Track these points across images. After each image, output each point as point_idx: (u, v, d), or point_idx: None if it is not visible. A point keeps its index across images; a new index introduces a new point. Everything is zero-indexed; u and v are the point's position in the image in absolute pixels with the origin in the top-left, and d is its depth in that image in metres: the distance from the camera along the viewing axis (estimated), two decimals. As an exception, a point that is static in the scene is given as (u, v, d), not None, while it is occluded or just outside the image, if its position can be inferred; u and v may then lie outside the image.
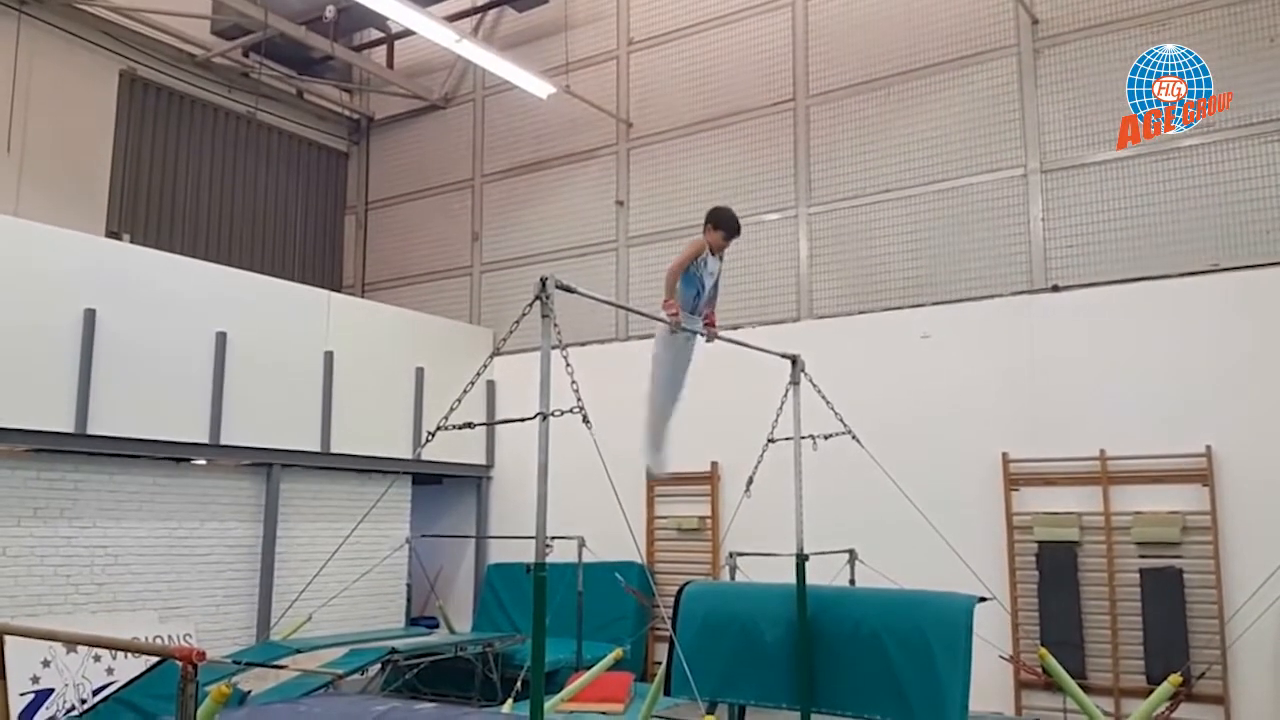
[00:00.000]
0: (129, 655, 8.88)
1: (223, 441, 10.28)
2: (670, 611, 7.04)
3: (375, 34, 15.46)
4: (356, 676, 9.56)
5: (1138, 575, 9.30)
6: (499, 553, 13.02)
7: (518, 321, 4.96)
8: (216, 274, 10.99)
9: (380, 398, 12.11)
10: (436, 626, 12.45)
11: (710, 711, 6.41)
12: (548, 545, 4.61)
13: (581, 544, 10.69)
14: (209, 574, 10.38)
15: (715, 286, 6.34)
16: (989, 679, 8.52)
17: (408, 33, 13.89)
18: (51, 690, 8.80)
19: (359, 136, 16.17)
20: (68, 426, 9.12)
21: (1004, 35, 10.79)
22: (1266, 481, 8.84)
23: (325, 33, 13.47)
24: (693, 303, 6.22)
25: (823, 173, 11.72)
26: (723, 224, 6.26)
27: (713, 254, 6.24)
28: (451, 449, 12.06)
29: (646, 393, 6.44)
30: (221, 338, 10.41)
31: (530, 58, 13.22)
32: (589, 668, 8.79)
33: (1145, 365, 9.46)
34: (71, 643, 8.43)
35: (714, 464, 11.69)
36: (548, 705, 6.29)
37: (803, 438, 6.78)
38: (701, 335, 6.26)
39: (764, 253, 11.94)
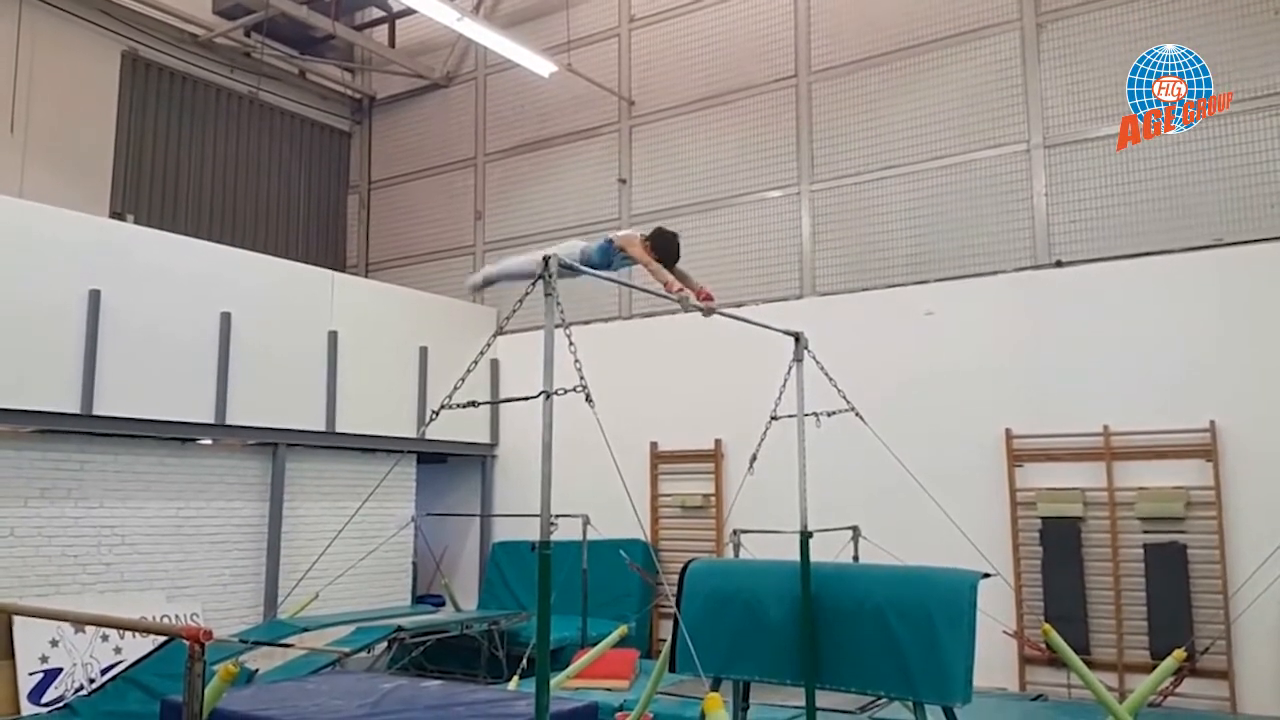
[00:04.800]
0: (137, 635, 8.93)
1: (228, 421, 10.31)
2: (674, 589, 7.06)
3: (377, 13, 15.43)
4: (363, 654, 9.63)
5: (1141, 551, 9.32)
6: (504, 530, 13.06)
7: (521, 300, 4.96)
8: (220, 254, 11.00)
9: (384, 377, 12.12)
10: (442, 604, 12.51)
11: (715, 688, 6.43)
12: (552, 523, 4.62)
13: (586, 522, 10.70)
14: (215, 553, 10.43)
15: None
16: (993, 655, 8.56)
17: (409, 11, 13.84)
18: (60, 670, 8.86)
19: (361, 116, 16.14)
20: (73, 407, 9.15)
21: (1006, 9, 10.74)
22: (1270, 456, 8.85)
23: (327, 12, 13.46)
24: (591, 260, 6.01)
25: (825, 149, 11.69)
26: (660, 249, 6.01)
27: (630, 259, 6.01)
28: (456, 428, 12.13)
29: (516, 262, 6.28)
30: (226, 318, 10.42)
31: (532, 36, 13.18)
32: (594, 645, 8.83)
33: (1149, 340, 9.46)
34: (79, 622, 8.50)
35: (718, 441, 11.70)
36: (553, 682, 6.33)
37: (806, 415, 6.77)
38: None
39: (766, 230, 11.94)
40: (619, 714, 7.59)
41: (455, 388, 5.00)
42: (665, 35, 13.11)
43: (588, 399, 4.71)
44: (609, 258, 6.04)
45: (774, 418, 6.87)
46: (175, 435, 10.08)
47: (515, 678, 8.47)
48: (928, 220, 10.93)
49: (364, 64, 15.91)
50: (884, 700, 7.13)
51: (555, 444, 4.63)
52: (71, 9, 12.51)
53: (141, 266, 9.88)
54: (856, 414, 7.06)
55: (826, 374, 6.86)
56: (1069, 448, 9.75)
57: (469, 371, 5.13)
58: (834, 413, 7.03)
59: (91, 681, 8.89)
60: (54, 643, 8.86)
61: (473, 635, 10.61)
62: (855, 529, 9.12)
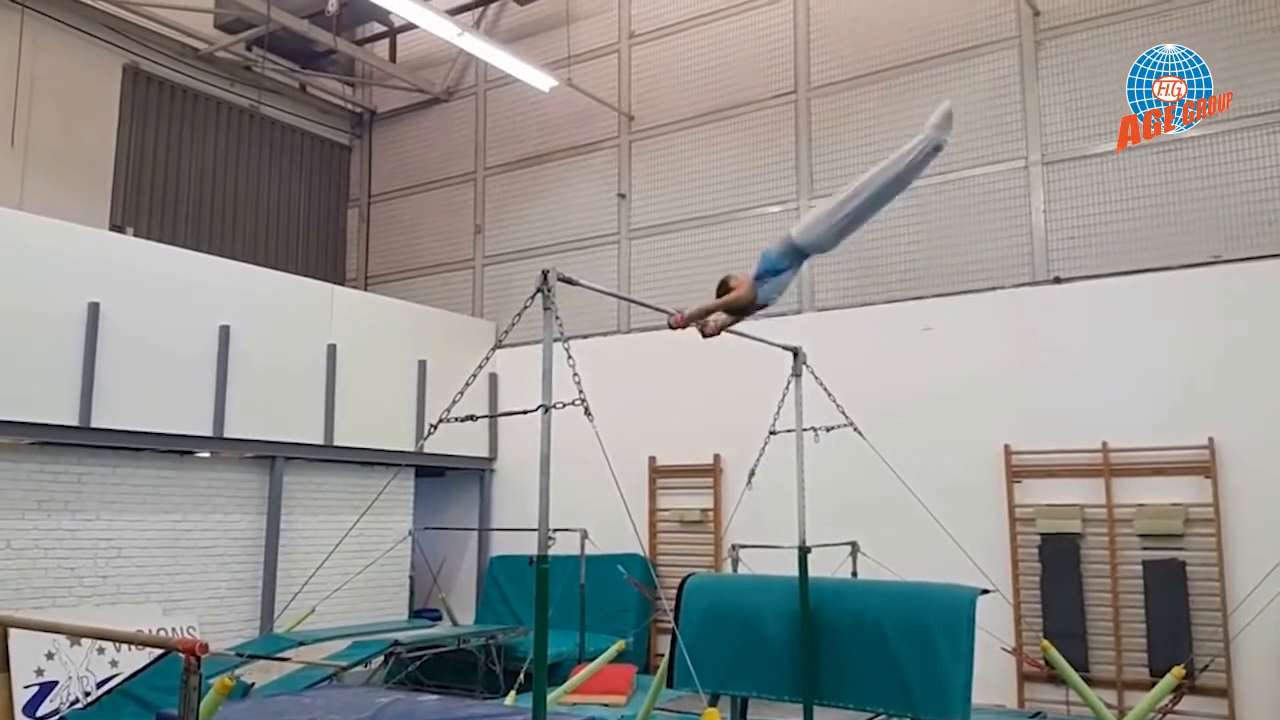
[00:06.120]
0: (133, 648, 8.90)
1: (226, 434, 10.29)
2: (672, 604, 7.05)
3: (378, 27, 15.47)
4: (360, 669, 9.60)
5: (1140, 567, 9.31)
6: (502, 545, 13.03)
7: (519, 314, 4.96)
8: (220, 267, 11.00)
9: (383, 390, 12.11)
10: (439, 619, 12.47)
11: (713, 704, 6.42)
12: (550, 538, 4.62)
13: (584, 536, 10.71)
14: (212, 566, 10.39)
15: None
16: (992, 671, 8.53)
17: (410, 26, 13.89)
18: (56, 682, 8.82)
19: (362, 130, 16.17)
20: (71, 419, 9.13)
21: (1005, 27, 10.77)
22: (1269, 473, 8.84)
23: (328, 26, 13.47)
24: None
25: (824, 165, 11.71)
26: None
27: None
28: (454, 441, 12.13)
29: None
30: (225, 331, 10.42)
31: (532, 51, 13.22)
32: (592, 660, 8.81)
33: (1147, 357, 9.46)
34: (75, 635, 8.46)
35: (716, 456, 11.69)
36: (550, 697, 6.31)
37: (804, 430, 6.78)
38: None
39: (764, 245, 11.87)
40: (616, 729, 7.57)
41: (454, 401, 5.01)
42: (665, 51, 13.14)
43: (586, 413, 4.71)
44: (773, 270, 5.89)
45: (772, 432, 6.89)
46: (173, 448, 10.06)
47: (512, 692, 8.43)
48: (926, 236, 10.94)
49: (365, 78, 15.95)
50: (882, 716, 7.10)
51: (553, 458, 4.63)
52: (73, 22, 12.54)
53: (141, 279, 9.88)
54: (855, 429, 7.07)
55: (825, 389, 6.87)
56: (1068, 464, 9.75)
57: (468, 385, 5.13)
58: (832, 428, 7.04)
59: (87, 694, 8.84)
60: (50, 655, 8.82)
61: (470, 650, 10.57)
62: (854, 544, 9.10)
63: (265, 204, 14.74)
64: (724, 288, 5.86)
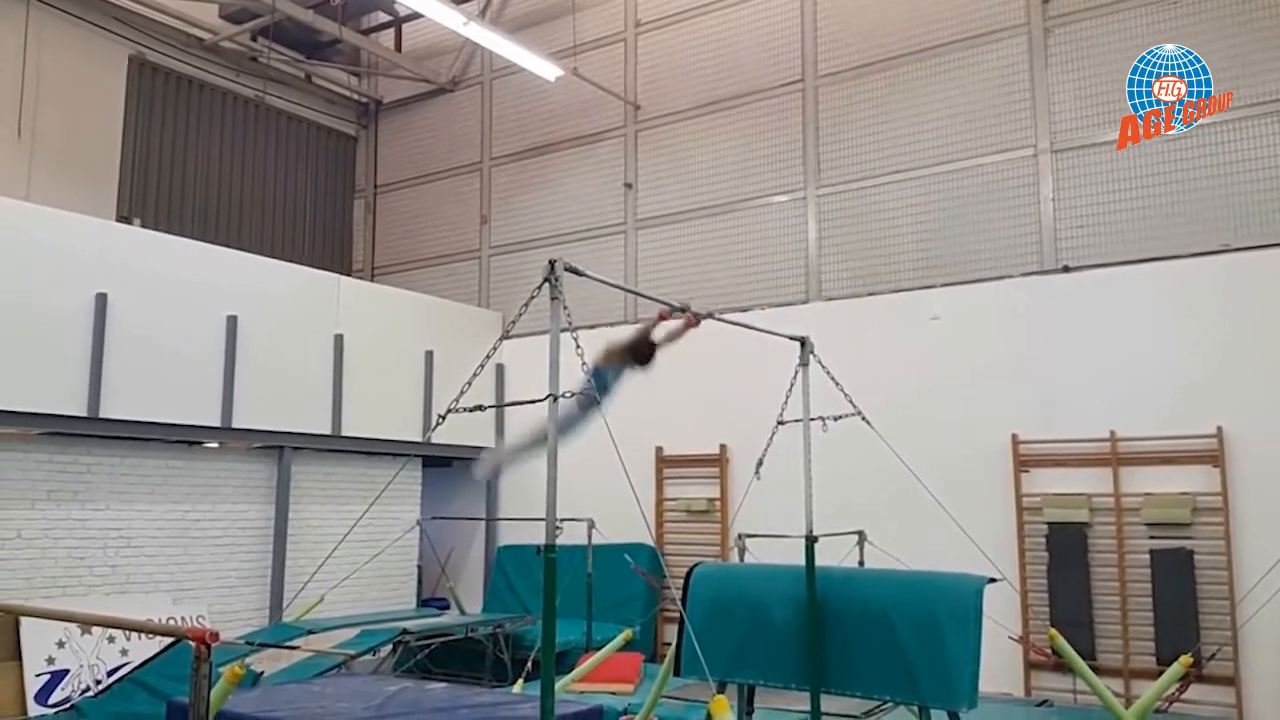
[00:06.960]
0: (143, 636, 8.94)
1: (234, 424, 10.32)
2: (680, 593, 7.06)
3: (383, 17, 15.47)
4: (368, 657, 9.63)
5: (1148, 556, 9.30)
6: (509, 534, 13.06)
7: (526, 304, 4.95)
8: (227, 258, 11.02)
9: (390, 381, 12.13)
10: (447, 608, 12.51)
11: (720, 691, 6.42)
12: (558, 527, 4.63)
13: (591, 526, 10.71)
14: (221, 556, 10.43)
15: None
16: (999, 660, 8.54)
17: (415, 15, 13.87)
18: (67, 671, 8.87)
19: (367, 120, 16.16)
20: (80, 410, 9.16)
21: (1014, 14, 10.73)
22: (1278, 462, 8.81)
23: (333, 16, 13.47)
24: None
25: (831, 154, 11.68)
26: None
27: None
28: (462, 431, 12.01)
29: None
30: (232, 321, 10.44)
31: (538, 40, 13.20)
32: (599, 649, 8.83)
33: (1156, 346, 9.43)
34: (86, 624, 8.51)
35: (723, 446, 11.69)
36: (558, 685, 6.32)
37: (812, 419, 6.77)
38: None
39: (773, 234, 11.93)
40: (624, 717, 7.58)
41: (461, 392, 5.01)
42: (671, 40, 13.11)
43: (594, 402, 4.71)
44: (604, 379, 6.05)
45: (780, 422, 6.88)
46: (181, 438, 10.08)
47: (520, 681, 8.47)
48: (934, 225, 10.92)
49: (370, 68, 15.94)
50: (889, 705, 7.12)
51: (560, 448, 4.63)
52: (79, 13, 12.55)
53: (148, 270, 9.90)
54: (863, 418, 7.07)
55: (833, 378, 6.86)
56: (1075, 453, 9.73)
57: (475, 375, 5.13)
58: (840, 417, 7.04)
59: (98, 683, 8.89)
60: (61, 644, 8.87)
61: (478, 638, 10.60)
62: (861, 533, 9.11)
63: (271, 195, 14.74)
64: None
